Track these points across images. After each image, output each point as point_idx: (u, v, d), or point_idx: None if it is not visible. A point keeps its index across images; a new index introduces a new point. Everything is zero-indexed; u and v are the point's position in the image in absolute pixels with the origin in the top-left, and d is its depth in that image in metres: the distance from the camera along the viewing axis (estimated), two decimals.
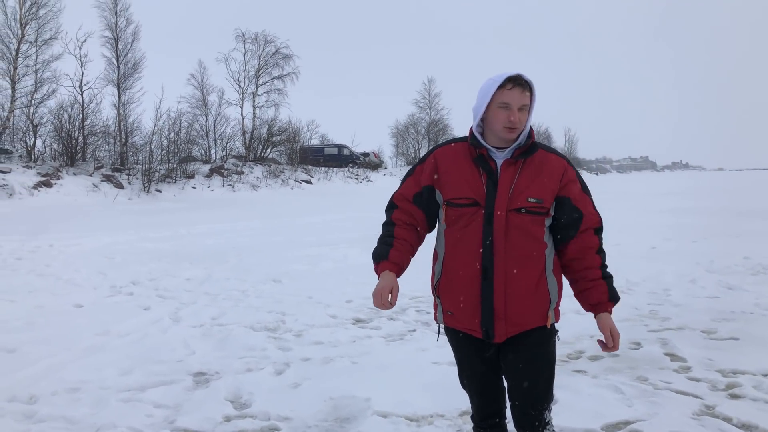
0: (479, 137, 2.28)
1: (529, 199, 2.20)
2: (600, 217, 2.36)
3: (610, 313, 2.29)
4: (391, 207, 2.43)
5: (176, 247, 11.43)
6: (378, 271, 2.31)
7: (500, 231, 2.19)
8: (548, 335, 2.31)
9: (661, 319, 5.47)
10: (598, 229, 2.35)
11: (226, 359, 4.42)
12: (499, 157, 2.27)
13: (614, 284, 2.32)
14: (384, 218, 2.44)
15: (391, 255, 2.30)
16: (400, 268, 2.32)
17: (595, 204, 2.38)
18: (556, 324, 2.34)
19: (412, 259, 2.37)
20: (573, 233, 2.30)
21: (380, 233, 2.41)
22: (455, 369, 2.50)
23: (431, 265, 2.40)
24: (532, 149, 2.26)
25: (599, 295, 2.28)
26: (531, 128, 2.30)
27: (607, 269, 2.33)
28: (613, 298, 2.30)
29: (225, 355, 4.53)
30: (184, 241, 12.48)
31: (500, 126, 2.20)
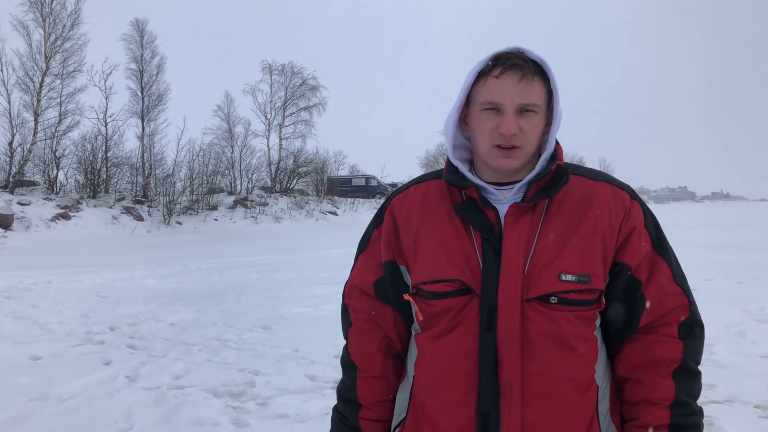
0: (464, 169, 1.33)
1: (564, 276, 1.22)
2: (689, 297, 1.32)
3: None
4: (345, 314, 1.50)
5: (178, 284, 10.88)
6: None
7: (511, 342, 1.23)
8: None
9: (705, 386, 4.46)
10: (688, 325, 1.30)
11: None
12: (503, 201, 1.31)
13: None
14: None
15: None
16: None
17: (683, 272, 1.35)
18: None
19: None
20: (631, 330, 1.31)
21: (339, 387, 1.49)
22: None
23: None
24: (559, 178, 1.28)
25: None
26: (557, 144, 1.32)
27: (692, 415, 1.28)
28: None
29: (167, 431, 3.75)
30: (189, 277, 11.92)
31: (486, 144, 1.26)
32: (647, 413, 1.26)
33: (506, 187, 1.30)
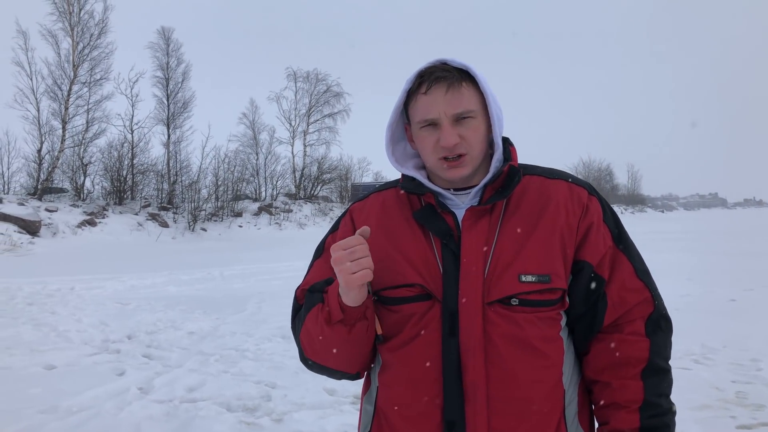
0: (421, 176, 1.33)
1: (524, 278, 1.20)
2: (652, 292, 1.29)
3: None
4: (300, 317, 1.36)
5: (200, 291, 10.79)
6: (329, 305, 1.24)
7: (474, 347, 1.19)
8: None
9: (753, 407, 4.18)
10: (654, 320, 1.27)
11: None
12: (461, 206, 1.30)
13: None
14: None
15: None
16: None
17: (646, 266, 1.32)
18: None
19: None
20: (596, 329, 1.28)
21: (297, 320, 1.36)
22: None
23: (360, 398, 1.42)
24: (512, 179, 1.28)
25: None
26: (508, 144, 1.32)
27: (662, 415, 1.22)
28: None
29: None
30: (212, 284, 11.84)
31: (432, 159, 1.27)
32: (617, 417, 1.24)
33: (463, 192, 1.31)
